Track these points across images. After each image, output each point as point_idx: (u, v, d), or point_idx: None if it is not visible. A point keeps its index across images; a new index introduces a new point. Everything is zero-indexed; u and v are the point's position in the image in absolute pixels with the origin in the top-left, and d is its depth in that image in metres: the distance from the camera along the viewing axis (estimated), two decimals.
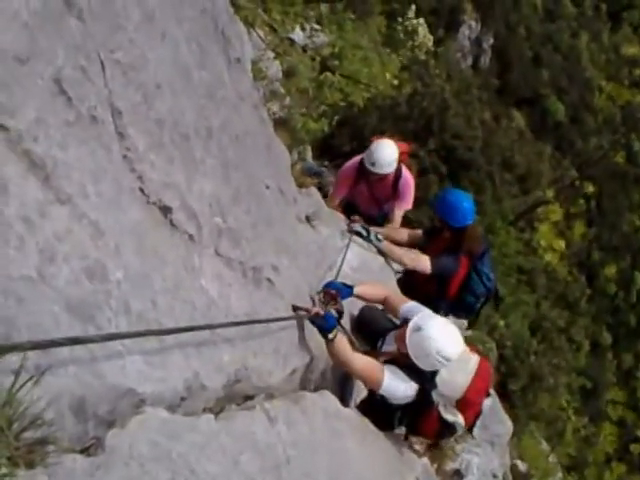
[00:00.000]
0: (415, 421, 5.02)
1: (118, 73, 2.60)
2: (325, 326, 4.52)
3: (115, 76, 2.59)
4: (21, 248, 1.95)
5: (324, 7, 6.20)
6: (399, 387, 4.72)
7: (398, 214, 7.57)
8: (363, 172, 7.28)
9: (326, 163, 15.87)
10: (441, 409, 4.83)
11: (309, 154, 13.14)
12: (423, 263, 6.73)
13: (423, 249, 7.05)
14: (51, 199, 2.15)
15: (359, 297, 5.22)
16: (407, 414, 4.98)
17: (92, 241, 2.28)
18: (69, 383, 1.96)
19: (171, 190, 2.96)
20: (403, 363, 4.73)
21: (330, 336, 4.55)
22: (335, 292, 4.80)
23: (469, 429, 5.23)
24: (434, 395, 4.77)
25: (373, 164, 7.06)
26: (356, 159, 7.40)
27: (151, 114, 2.82)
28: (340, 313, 4.86)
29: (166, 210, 2.94)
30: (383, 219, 7.81)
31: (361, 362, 4.68)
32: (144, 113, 2.78)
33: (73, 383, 1.97)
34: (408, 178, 7.47)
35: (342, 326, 4.93)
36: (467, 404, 4.84)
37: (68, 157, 2.24)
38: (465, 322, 8.08)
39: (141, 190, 2.77)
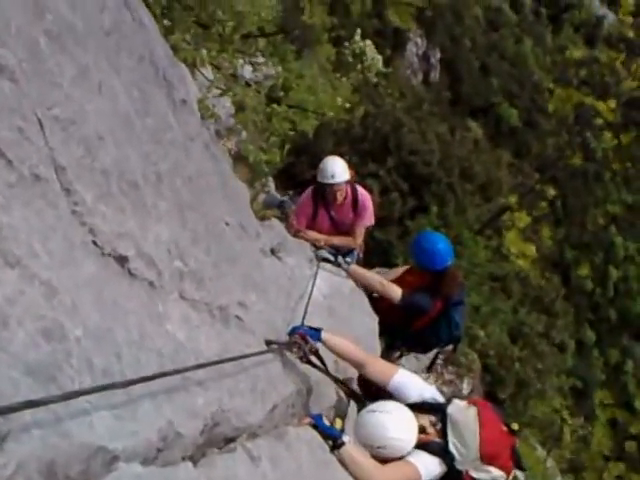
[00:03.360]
0: None
1: (57, 129, 2.59)
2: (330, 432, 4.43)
3: (55, 133, 2.57)
4: None
5: (262, 41, 6.24)
6: (435, 469, 4.59)
7: (359, 230, 7.68)
8: (320, 200, 7.35)
9: (290, 192, 15.93)
10: (472, 473, 4.61)
11: (272, 185, 13.15)
12: (392, 292, 6.68)
13: (399, 280, 7.00)
14: None
15: (327, 344, 4.90)
16: None
17: (46, 301, 2.24)
18: (35, 447, 1.91)
19: (125, 239, 2.93)
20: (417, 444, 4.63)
21: (339, 441, 4.36)
22: (302, 336, 4.61)
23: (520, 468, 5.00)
24: (457, 465, 4.58)
25: (332, 176, 7.18)
26: (308, 191, 7.47)
27: (96, 166, 2.81)
28: (315, 352, 4.73)
29: (122, 260, 2.91)
30: (348, 250, 7.85)
31: (389, 471, 4.50)
32: (88, 166, 2.76)
33: (39, 447, 1.92)
34: (365, 194, 7.60)
35: (316, 364, 4.81)
36: (491, 458, 4.58)
37: (13, 219, 2.21)
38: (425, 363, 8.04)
39: (94, 243, 2.74)
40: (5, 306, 2.04)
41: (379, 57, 17.05)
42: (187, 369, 2.87)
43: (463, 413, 4.68)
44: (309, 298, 5.44)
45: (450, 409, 4.71)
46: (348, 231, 7.66)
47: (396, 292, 6.67)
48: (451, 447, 4.58)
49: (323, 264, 6.72)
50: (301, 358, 4.61)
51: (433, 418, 4.72)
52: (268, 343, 4.41)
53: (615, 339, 33.46)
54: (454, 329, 6.85)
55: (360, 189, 7.61)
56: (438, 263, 6.59)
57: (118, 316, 2.72)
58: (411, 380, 4.96)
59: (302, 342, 4.57)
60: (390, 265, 11.91)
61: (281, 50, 6.30)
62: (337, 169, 7.24)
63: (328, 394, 5.12)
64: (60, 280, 2.36)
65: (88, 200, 2.71)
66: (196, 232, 3.86)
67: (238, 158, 8.66)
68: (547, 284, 21.34)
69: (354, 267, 7.05)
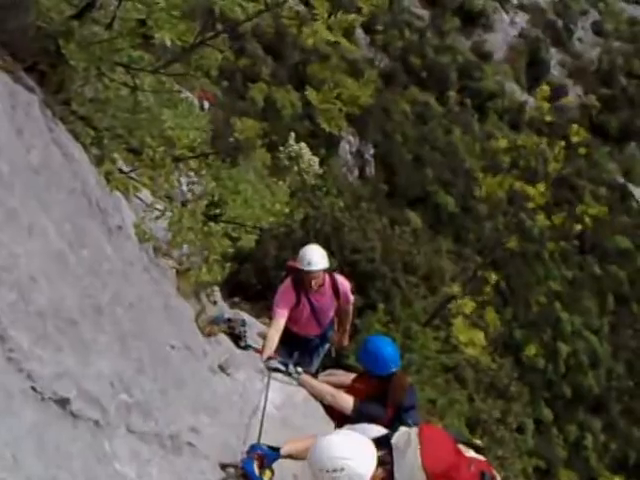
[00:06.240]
0: None
1: None
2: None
3: None
4: None
5: (194, 162, 6.31)
6: None
7: (350, 308, 7.97)
8: (300, 289, 7.40)
9: (236, 299, 15.79)
10: None
11: (217, 294, 13.01)
12: (344, 403, 6.59)
13: (350, 387, 6.94)
14: None
15: (290, 457, 4.69)
16: None
17: None
18: None
19: (65, 380, 2.85)
20: None
21: None
22: (260, 455, 4.45)
23: None
24: None
25: (309, 263, 7.23)
26: (287, 282, 7.51)
27: (30, 309, 2.74)
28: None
29: (63, 402, 2.82)
30: (321, 341, 7.95)
31: None
32: (23, 309, 2.70)
33: None
34: (342, 279, 7.76)
35: None
36: (440, 476, 4.15)
37: None
38: None
39: (33, 388, 2.66)
40: None
41: (316, 159, 17.31)
42: None
43: (404, 436, 4.36)
44: (263, 414, 5.32)
45: (394, 438, 4.35)
46: (322, 322, 7.75)
47: (347, 403, 6.57)
48: (396, 475, 4.20)
49: (274, 374, 6.63)
50: None
51: (381, 453, 4.32)
52: (223, 467, 4.29)
53: (572, 415, 33.50)
54: None
55: (338, 276, 7.73)
56: (380, 368, 6.53)
57: (62, 462, 2.62)
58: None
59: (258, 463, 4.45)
60: (342, 365, 11.80)
61: (214, 168, 6.35)
62: (314, 257, 7.35)
63: None
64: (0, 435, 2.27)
65: (24, 345, 2.63)
66: (141, 360, 3.77)
67: (180, 272, 8.58)
68: (499, 369, 21.37)
69: (305, 377, 6.95)
